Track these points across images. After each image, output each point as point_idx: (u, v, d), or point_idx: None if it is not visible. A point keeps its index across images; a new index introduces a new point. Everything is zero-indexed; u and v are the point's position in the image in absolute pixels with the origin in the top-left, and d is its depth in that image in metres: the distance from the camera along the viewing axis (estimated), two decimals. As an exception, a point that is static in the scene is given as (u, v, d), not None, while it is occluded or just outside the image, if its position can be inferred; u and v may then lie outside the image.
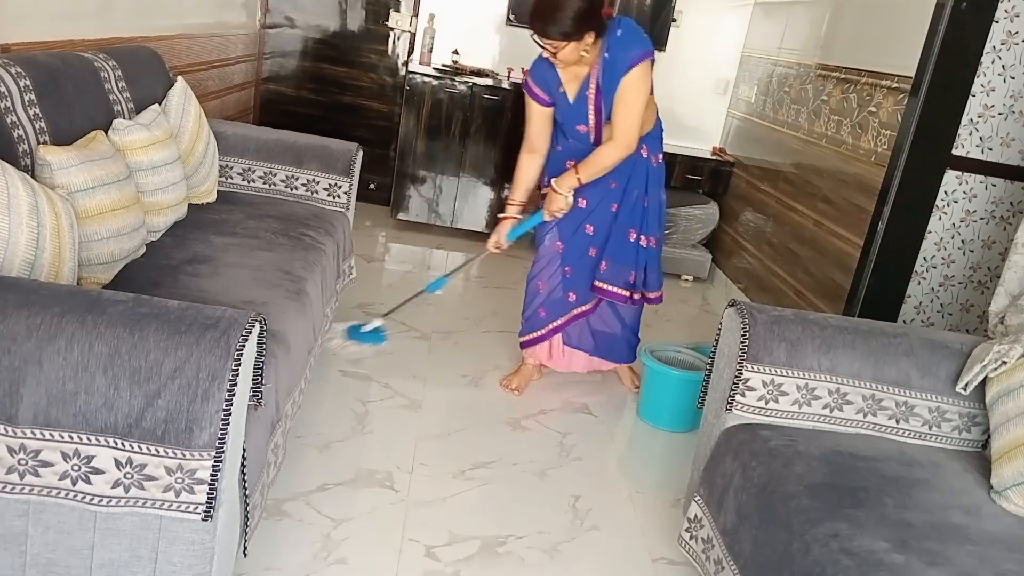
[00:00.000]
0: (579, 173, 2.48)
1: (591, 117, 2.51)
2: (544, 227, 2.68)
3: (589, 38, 2.34)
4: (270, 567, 1.75)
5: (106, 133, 2.05)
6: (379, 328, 2.64)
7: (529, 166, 2.64)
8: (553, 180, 2.53)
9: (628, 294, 2.67)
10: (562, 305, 2.72)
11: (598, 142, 2.54)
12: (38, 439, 1.26)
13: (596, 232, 2.63)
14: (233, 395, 1.27)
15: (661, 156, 2.65)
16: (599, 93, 2.46)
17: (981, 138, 2.66)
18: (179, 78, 2.57)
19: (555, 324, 2.74)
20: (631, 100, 2.40)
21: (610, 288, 2.66)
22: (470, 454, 2.33)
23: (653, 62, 2.46)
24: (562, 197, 2.52)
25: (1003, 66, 2.61)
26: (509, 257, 4.30)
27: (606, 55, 2.40)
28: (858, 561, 1.30)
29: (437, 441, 2.37)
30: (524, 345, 2.81)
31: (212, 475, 1.28)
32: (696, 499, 1.83)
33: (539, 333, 2.77)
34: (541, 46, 2.37)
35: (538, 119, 2.58)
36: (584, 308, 2.73)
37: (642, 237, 2.63)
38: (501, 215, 2.68)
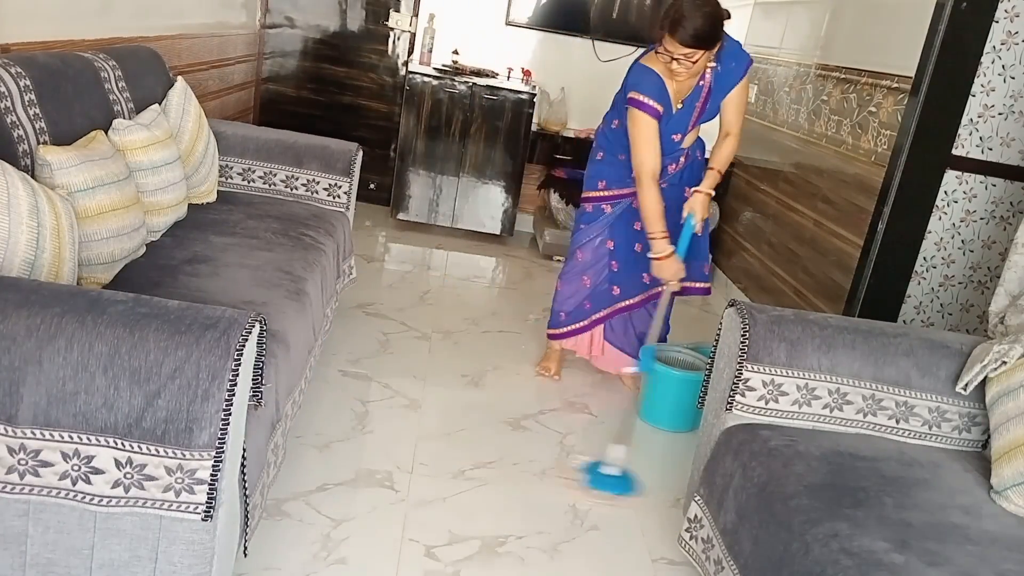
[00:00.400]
0: (717, 167, 2.57)
1: (690, 127, 2.59)
2: (589, 228, 2.75)
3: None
4: (270, 567, 1.75)
5: (106, 133, 2.05)
6: (626, 475, 2.27)
7: (657, 194, 2.48)
8: (702, 185, 2.54)
9: (707, 285, 2.81)
10: (606, 297, 2.80)
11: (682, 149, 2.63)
12: (38, 439, 1.26)
13: (643, 228, 2.65)
14: (233, 395, 1.27)
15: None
16: (705, 102, 2.53)
17: (981, 138, 2.66)
18: (179, 78, 2.57)
19: (598, 316, 2.83)
20: (744, 100, 2.58)
21: (692, 285, 2.76)
22: (470, 454, 2.33)
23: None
24: (707, 197, 2.55)
25: (1003, 66, 2.61)
26: (509, 258, 4.31)
27: (717, 66, 2.48)
28: (858, 561, 1.30)
29: (437, 441, 2.37)
30: (557, 337, 2.89)
31: (212, 475, 1.28)
32: (696, 499, 1.83)
33: (582, 324, 2.84)
34: (674, 57, 2.34)
35: (655, 136, 2.48)
36: (629, 302, 2.81)
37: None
38: (659, 255, 2.49)
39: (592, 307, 2.81)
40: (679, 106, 2.53)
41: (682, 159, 2.66)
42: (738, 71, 2.51)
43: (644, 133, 2.46)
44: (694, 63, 2.35)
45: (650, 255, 2.51)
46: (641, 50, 2.63)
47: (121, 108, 2.22)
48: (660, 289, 2.68)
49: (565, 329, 2.86)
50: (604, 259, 2.77)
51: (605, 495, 2.22)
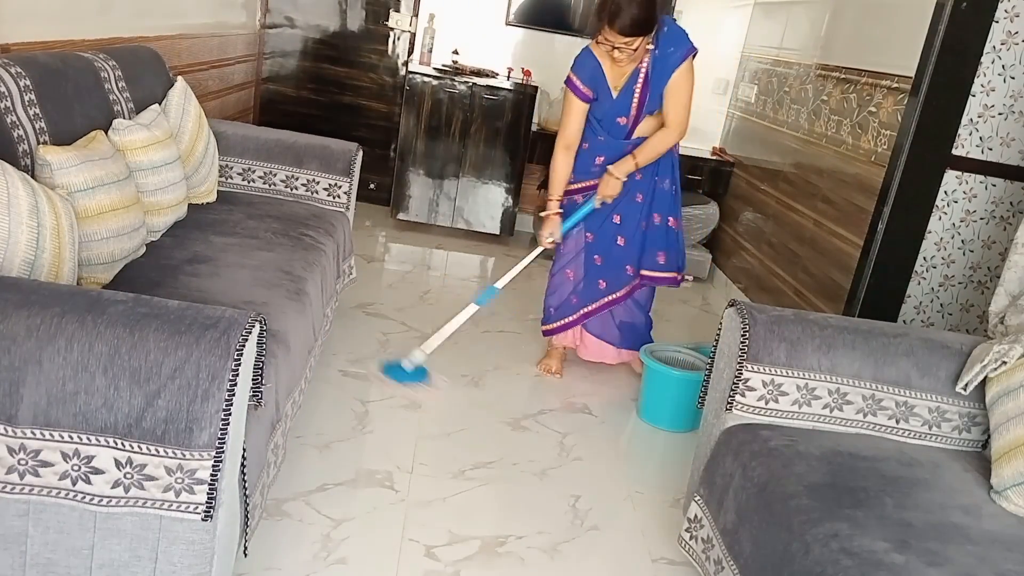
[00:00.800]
0: (636, 158, 2.65)
1: (633, 110, 2.68)
2: (570, 221, 2.78)
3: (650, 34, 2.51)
4: (270, 567, 1.75)
5: (106, 133, 2.05)
6: (422, 367, 2.61)
7: (566, 162, 2.74)
8: (610, 166, 2.66)
9: (675, 275, 2.85)
10: (594, 292, 2.87)
11: (632, 133, 2.72)
12: (38, 439, 1.26)
13: (623, 221, 2.79)
14: (233, 395, 1.27)
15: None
16: (646, 86, 2.62)
17: (981, 138, 2.66)
18: (179, 78, 2.57)
19: (586, 310, 2.89)
20: (683, 89, 2.62)
21: (659, 275, 2.83)
22: (470, 454, 2.33)
23: (695, 56, 2.63)
24: (618, 182, 2.66)
25: (1003, 66, 2.61)
26: (510, 258, 4.31)
27: (655, 51, 2.58)
28: (858, 561, 1.30)
29: (437, 441, 2.37)
30: (551, 332, 2.94)
31: (212, 475, 1.28)
32: (696, 499, 1.83)
33: (571, 319, 2.90)
34: (615, 46, 2.49)
35: (579, 116, 2.70)
36: (615, 296, 2.86)
37: (670, 219, 2.80)
38: (545, 213, 2.78)
39: (579, 302, 2.88)
40: (617, 90, 2.65)
41: (631, 154, 2.69)
42: (676, 56, 2.57)
43: (567, 109, 2.70)
44: (634, 50, 2.50)
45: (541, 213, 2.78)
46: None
47: (121, 108, 2.22)
48: (642, 280, 2.81)
49: (555, 324, 2.92)
50: (583, 251, 2.85)
51: (400, 384, 2.55)
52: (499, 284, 2.72)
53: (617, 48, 2.49)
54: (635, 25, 2.43)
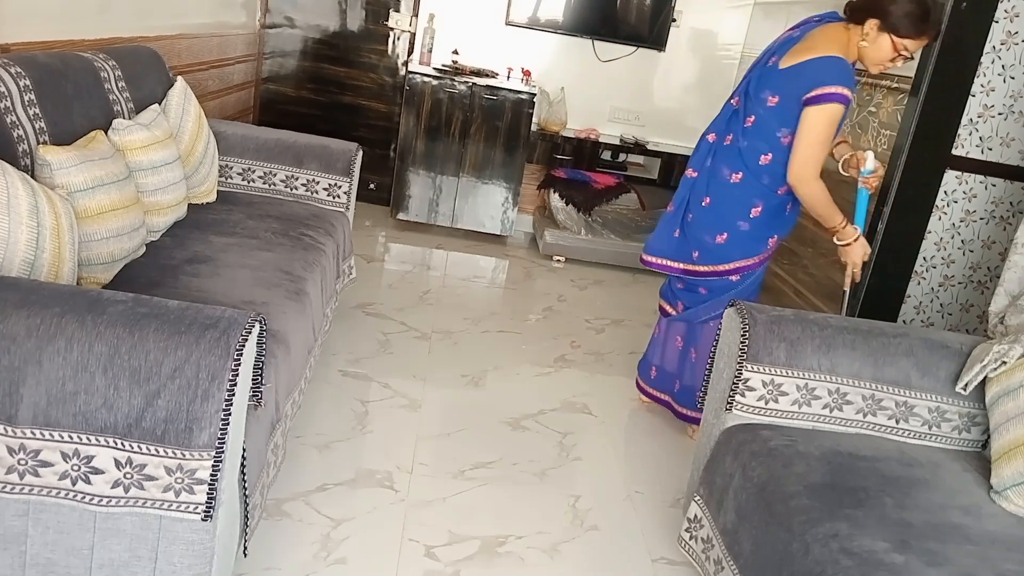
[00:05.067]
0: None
1: None
2: (773, 236, 2.47)
3: None
4: (270, 567, 1.75)
5: (106, 133, 2.05)
6: None
7: (824, 187, 2.29)
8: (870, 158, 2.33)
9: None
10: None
11: None
12: (38, 439, 1.26)
13: None
14: (233, 395, 1.27)
15: None
16: None
17: (981, 138, 2.66)
18: (179, 78, 2.57)
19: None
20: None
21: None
22: (470, 454, 2.33)
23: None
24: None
25: (1003, 66, 2.61)
26: (509, 258, 4.31)
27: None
28: (858, 561, 1.30)
29: (437, 441, 2.37)
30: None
31: (212, 475, 1.28)
32: (696, 499, 1.83)
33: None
34: (908, 57, 2.21)
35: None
36: None
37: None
38: (850, 240, 2.34)
39: None
40: None
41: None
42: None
43: (833, 128, 2.21)
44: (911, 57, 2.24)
45: (838, 241, 2.35)
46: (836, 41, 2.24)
47: (121, 108, 2.22)
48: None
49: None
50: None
51: None
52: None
53: (903, 56, 2.19)
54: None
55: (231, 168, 2.85)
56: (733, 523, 1.62)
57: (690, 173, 2.53)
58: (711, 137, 2.50)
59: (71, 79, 2.00)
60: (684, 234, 2.53)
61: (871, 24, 2.17)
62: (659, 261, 2.60)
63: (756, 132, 2.34)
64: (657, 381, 2.72)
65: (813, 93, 2.17)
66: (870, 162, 2.33)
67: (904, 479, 1.58)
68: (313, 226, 2.59)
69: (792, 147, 2.25)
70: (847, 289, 2.43)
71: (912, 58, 2.26)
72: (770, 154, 2.32)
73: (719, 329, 1.88)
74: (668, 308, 2.68)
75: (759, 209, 2.38)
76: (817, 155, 2.22)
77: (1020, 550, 1.42)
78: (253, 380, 1.41)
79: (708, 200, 2.44)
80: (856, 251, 2.34)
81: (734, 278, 2.47)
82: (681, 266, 2.56)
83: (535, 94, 4.25)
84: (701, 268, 2.51)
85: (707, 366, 1.93)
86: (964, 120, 2.64)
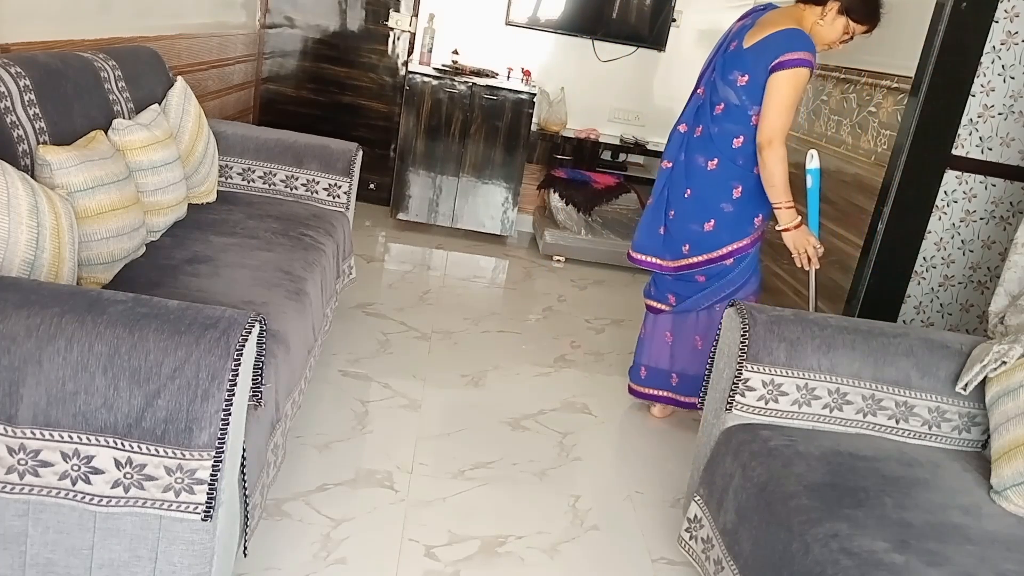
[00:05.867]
0: None
1: None
2: (758, 216, 2.51)
3: None
4: (270, 567, 1.75)
5: (106, 133, 2.05)
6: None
7: (786, 159, 2.37)
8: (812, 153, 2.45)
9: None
10: None
11: None
12: (38, 439, 1.26)
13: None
14: (233, 395, 1.27)
15: None
16: None
17: (981, 138, 2.66)
18: (179, 78, 2.57)
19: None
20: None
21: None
22: (470, 454, 2.33)
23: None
24: None
25: (1003, 66, 2.60)
26: (510, 258, 4.31)
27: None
28: (858, 561, 1.30)
29: (437, 441, 2.37)
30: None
31: (212, 475, 1.28)
32: (696, 499, 1.83)
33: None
34: (848, 40, 2.41)
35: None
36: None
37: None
38: (789, 226, 2.39)
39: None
40: None
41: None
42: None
43: (801, 93, 2.32)
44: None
45: (778, 227, 2.41)
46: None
47: (121, 108, 2.22)
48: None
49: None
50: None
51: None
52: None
53: (846, 40, 2.39)
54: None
55: (231, 168, 2.85)
56: (733, 523, 1.62)
57: (665, 164, 2.59)
58: (682, 128, 2.56)
59: (71, 79, 2.00)
60: (669, 231, 2.58)
61: (832, 6, 2.34)
62: (649, 259, 2.64)
63: (726, 117, 2.41)
64: (649, 380, 2.72)
65: (781, 59, 2.28)
66: (815, 160, 2.44)
67: (904, 479, 1.58)
68: (313, 226, 2.59)
69: (762, 110, 2.34)
70: (812, 283, 2.50)
71: (850, 41, 2.43)
72: (742, 136, 2.40)
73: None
74: (658, 305, 2.69)
75: (739, 190, 2.45)
76: (785, 119, 2.32)
77: (1020, 550, 1.42)
78: (253, 380, 1.41)
79: (689, 191, 2.49)
80: (798, 237, 2.42)
81: (728, 262, 2.52)
82: (673, 264, 2.58)
83: (535, 94, 4.25)
84: (695, 260, 2.54)
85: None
86: (964, 120, 2.63)
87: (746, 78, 2.35)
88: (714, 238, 2.49)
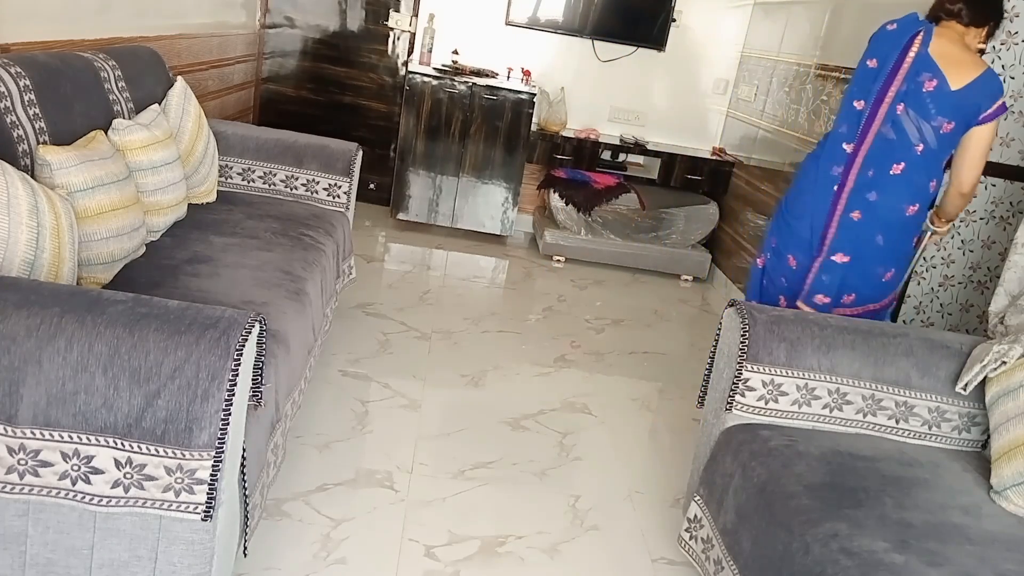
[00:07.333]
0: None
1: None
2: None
3: None
4: (270, 567, 1.75)
5: (106, 133, 2.05)
6: None
7: None
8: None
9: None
10: None
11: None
12: (38, 439, 1.26)
13: None
14: (233, 395, 1.27)
15: None
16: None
17: (981, 138, 2.66)
18: (179, 78, 2.57)
19: None
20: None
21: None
22: (470, 454, 2.33)
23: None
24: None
25: (1003, 66, 2.61)
26: (510, 258, 4.31)
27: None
28: (858, 561, 1.30)
29: (437, 441, 2.37)
30: None
31: (212, 475, 1.28)
32: (696, 499, 1.83)
33: None
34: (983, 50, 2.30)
35: None
36: None
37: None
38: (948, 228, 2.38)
39: None
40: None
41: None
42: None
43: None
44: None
45: (939, 231, 2.40)
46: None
47: (121, 108, 2.22)
48: None
49: None
50: None
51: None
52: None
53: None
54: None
55: (231, 168, 2.85)
56: (733, 523, 1.62)
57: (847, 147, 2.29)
58: (848, 146, 2.29)
59: (71, 79, 2.00)
60: (834, 268, 2.31)
61: (988, 28, 2.22)
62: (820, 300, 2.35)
63: (925, 160, 2.22)
64: None
65: (990, 111, 2.14)
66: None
67: (904, 479, 1.58)
68: (313, 226, 2.59)
69: (964, 161, 2.22)
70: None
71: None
72: (935, 180, 2.25)
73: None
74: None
75: (915, 238, 2.36)
76: (980, 169, 2.24)
77: (1020, 550, 1.42)
78: (253, 380, 1.41)
79: (881, 239, 2.27)
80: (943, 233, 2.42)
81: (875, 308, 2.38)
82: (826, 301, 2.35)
83: (535, 94, 4.25)
84: (859, 309, 2.35)
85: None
86: (964, 120, 2.63)
87: (952, 125, 2.16)
88: (887, 287, 2.34)
